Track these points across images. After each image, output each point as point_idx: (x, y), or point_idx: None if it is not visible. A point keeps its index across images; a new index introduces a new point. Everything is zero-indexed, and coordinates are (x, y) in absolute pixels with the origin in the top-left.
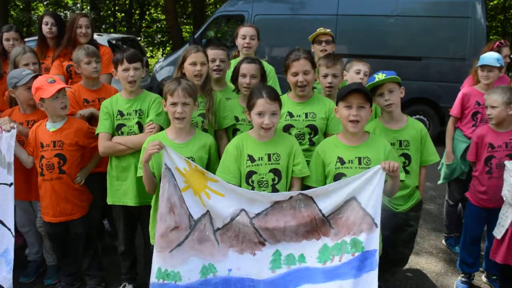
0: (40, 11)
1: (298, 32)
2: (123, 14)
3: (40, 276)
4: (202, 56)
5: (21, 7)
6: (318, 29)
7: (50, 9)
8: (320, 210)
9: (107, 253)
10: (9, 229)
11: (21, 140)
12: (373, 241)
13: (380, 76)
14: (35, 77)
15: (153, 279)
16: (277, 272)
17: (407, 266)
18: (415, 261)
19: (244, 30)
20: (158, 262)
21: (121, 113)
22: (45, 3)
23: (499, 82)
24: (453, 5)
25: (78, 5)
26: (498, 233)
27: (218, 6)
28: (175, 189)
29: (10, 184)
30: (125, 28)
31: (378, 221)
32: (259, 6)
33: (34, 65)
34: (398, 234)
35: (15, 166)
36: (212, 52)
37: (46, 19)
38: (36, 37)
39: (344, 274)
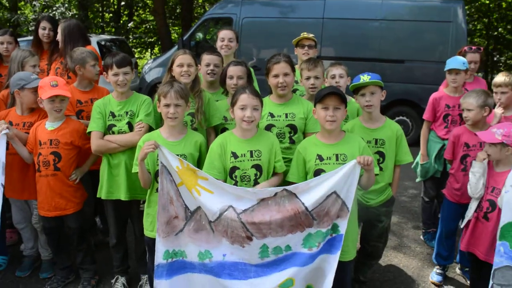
0: (26, 12)
1: (285, 35)
2: (111, 15)
3: (36, 270)
4: (189, 58)
5: (7, 6)
6: (301, 34)
7: (37, 10)
8: (303, 204)
9: (99, 249)
10: None
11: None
12: (345, 225)
13: (365, 78)
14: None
15: (159, 260)
16: (266, 260)
17: (386, 260)
18: (394, 255)
19: (223, 33)
20: (165, 245)
21: (113, 114)
22: (34, 3)
23: (476, 84)
24: (435, 9)
25: (66, 5)
26: (462, 223)
27: (206, 7)
28: (171, 184)
29: (1, 185)
30: (113, 29)
31: (350, 206)
32: (247, 9)
33: (36, 67)
34: (370, 229)
35: (13, 165)
36: (207, 57)
37: (44, 24)
38: (26, 38)
39: (323, 251)
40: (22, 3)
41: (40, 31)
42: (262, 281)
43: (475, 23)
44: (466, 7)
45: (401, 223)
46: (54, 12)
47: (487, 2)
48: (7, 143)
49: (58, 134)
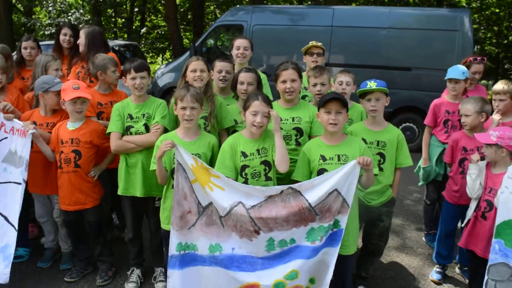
0: (40, 17)
1: (295, 42)
2: (123, 20)
3: (56, 262)
4: (201, 64)
5: (23, 11)
6: (310, 42)
7: (52, 16)
8: (307, 200)
9: (115, 244)
10: (13, 226)
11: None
12: (345, 220)
13: (371, 84)
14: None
15: (172, 251)
16: (272, 253)
17: (388, 259)
18: (396, 255)
19: (239, 42)
20: (178, 238)
21: (131, 116)
22: (50, 8)
23: (476, 92)
24: (442, 18)
25: (81, 10)
26: (463, 223)
27: (217, 14)
28: (186, 181)
29: (21, 182)
30: (126, 35)
31: (350, 203)
32: (258, 16)
33: (58, 71)
34: (372, 228)
35: (36, 163)
36: (220, 64)
37: (65, 30)
38: (44, 43)
39: (326, 245)
40: (38, 8)
41: (61, 37)
42: (268, 273)
43: (485, 31)
44: (476, 15)
45: (405, 225)
46: (69, 17)
47: (497, 10)
48: (32, 142)
49: (79, 134)
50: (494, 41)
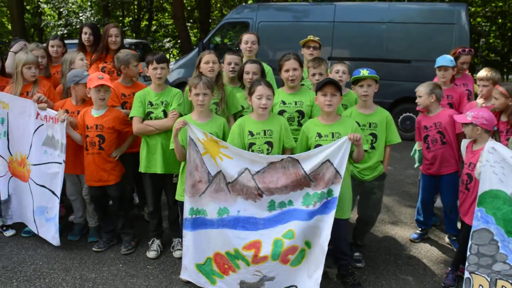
0: (49, 18)
1: (299, 38)
2: (130, 19)
3: (84, 235)
4: (213, 56)
5: (31, 11)
6: (308, 36)
7: (62, 16)
8: (303, 169)
9: (136, 221)
10: (58, 199)
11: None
12: (338, 189)
13: (364, 72)
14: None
15: (186, 215)
16: (273, 212)
17: (384, 232)
18: (391, 229)
19: (247, 37)
20: (190, 203)
21: (151, 103)
22: (61, 9)
23: (463, 80)
24: (439, 12)
25: (92, 11)
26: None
27: (224, 11)
28: (197, 154)
29: (61, 162)
30: (134, 34)
31: (342, 174)
32: (263, 14)
33: (84, 60)
34: (366, 200)
35: (68, 147)
36: (229, 57)
37: (85, 29)
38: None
39: (320, 211)
40: (46, 9)
41: (83, 36)
42: (268, 232)
43: (490, 24)
44: (479, 9)
45: (400, 203)
46: (80, 18)
47: (501, 4)
48: None
49: (103, 120)
50: (497, 33)
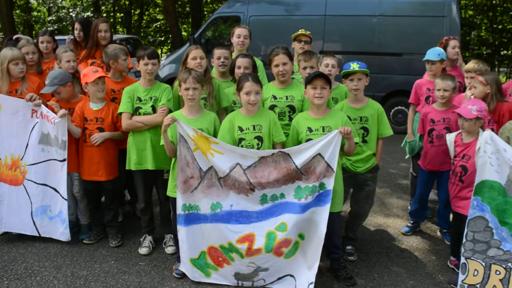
0: (39, 14)
1: (290, 32)
2: (122, 14)
3: (75, 233)
4: (200, 52)
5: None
6: (299, 30)
7: (52, 13)
8: (294, 163)
9: (127, 217)
10: (61, 195)
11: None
12: (331, 183)
13: (354, 66)
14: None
15: (179, 211)
16: (265, 205)
17: (376, 225)
18: (383, 221)
19: (239, 31)
20: (183, 200)
21: (139, 99)
22: (51, 5)
23: (454, 71)
24: (430, 5)
25: (83, 6)
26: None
27: (215, 5)
28: (188, 150)
29: (62, 160)
30: (125, 29)
31: (334, 167)
32: (254, 8)
33: (70, 62)
34: (359, 192)
35: None
36: (218, 51)
37: (76, 25)
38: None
39: (313, 204)
40: (35, 5)
41: (74, 32)
42: (262, 224)
43: (480, 16)
44: (470, 2)
45: (392, 195)
46: (70, 13)
47: None
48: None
49: (102, 114)
50: (488, 25)
